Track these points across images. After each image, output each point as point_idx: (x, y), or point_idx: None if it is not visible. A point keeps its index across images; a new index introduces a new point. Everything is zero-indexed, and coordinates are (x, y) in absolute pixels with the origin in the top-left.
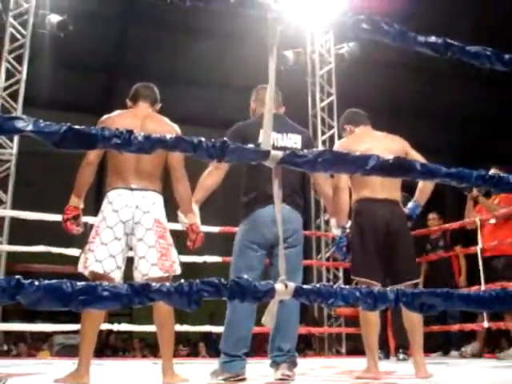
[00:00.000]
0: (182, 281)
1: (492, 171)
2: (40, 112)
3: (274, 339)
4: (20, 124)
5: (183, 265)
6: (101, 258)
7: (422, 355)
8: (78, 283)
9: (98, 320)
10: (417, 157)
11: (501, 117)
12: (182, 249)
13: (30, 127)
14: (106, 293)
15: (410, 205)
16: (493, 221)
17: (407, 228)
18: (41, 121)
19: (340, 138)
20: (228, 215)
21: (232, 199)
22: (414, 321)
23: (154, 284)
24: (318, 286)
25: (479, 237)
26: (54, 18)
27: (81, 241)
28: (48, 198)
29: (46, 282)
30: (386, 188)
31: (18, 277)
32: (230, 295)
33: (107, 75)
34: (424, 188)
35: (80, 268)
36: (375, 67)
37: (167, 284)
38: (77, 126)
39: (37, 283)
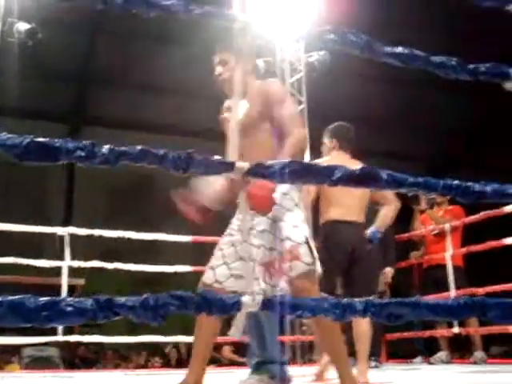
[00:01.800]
0: (148, 294)
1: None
2: (9, 121)
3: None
4: None
5: (155, 276)
6: None
7: (365, 363)
8: (41, 298)
9: (211, 329)
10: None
11: (475, 127)
12: (151, 259)
13: None
14: (69, 308)
15: (371, 229)
16: (436, 231)
17: (370, 251)
18: (4, 133)
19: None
20: (200, 225)
21: None
22: (360, 331)
23: (118, 298)
24: (285, 297)
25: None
26: (23, 26)
27: (50, 251)
28: (16, 209)
29: (9, 297)
30: (353, 210)
31: None
32: (196, 309)
33: (77, 84)
34: (384, 218)
35: None
36: (348, 76)
37: (133, 298)
38: (40, 139)
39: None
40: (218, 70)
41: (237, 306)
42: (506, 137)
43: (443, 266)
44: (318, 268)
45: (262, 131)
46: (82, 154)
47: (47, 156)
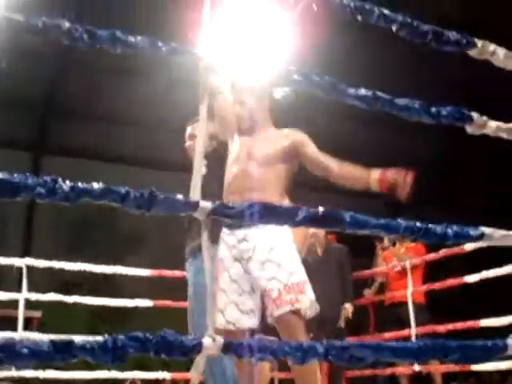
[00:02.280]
0: (106, 336)
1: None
2: None
3: None
4: None
5: (114, 310)
6: None
7: None
8: None
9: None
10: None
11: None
12: (112, 292)
13: None
14: (25, 350)
15: None
16: (398, 268)
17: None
18: None
19: None
20: (160, 259)
21: (163, 244)
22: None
23: (77, 340)
24: (247, 340)
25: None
26: None
27: (8, 283)
28: None
29: None
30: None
31: None
32: (155, 351)
33: (41, 113)
34: None
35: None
36: (313, 112)
37: (91, 340)
38: None
39: None
40: (237, 108)
41: (197, 348)
42: (472, 174)
43: (406, 304)
44: (317, 306)
45: (281, 167)
46: (42, 190)
47: (6, 192)
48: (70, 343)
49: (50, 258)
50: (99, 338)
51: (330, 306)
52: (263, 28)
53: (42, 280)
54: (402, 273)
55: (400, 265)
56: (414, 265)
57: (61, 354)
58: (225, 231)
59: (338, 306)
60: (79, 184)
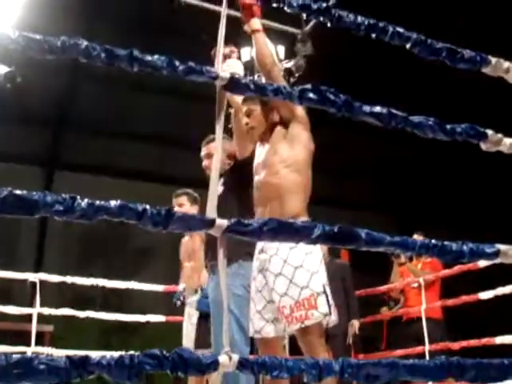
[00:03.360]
0: (123, 353)
1: (415, 236)
2: None
3: None
4: None
5: (124, 324)
6: None
7: None
8: (14, 356)
9: None
10: None
11: (446, 182)
12: (124, 307)
13: None
14: (42, 366)
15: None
16: (415, 284)
17: None
18: None
19: None
20: (172, 273)
21: (175, 257)
22: None
23: (93, 357)
24: (262, 357)
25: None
26: (2, 69)
27: (20, 298)
28: None
29: None
30: None
31: None
32: (172, 368)
33: (55, 128)
34: None
35: None
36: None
37: (107, 356)
38: (18, 191)
39: None
40: (245, 120)
41: (213, 365)
42: (485, 192)
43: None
44: (333, 315)
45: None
46: (61, 208)
47: (24, 209)
48: (87, 359)
49: (60, 273)
50: (115, 355)
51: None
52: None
53: (53, 294)
54: (419, 288)
55: (417, 280)
56: (430, 280)
57: (77, 370)
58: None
59: (344, 323)
60: (97, 201)
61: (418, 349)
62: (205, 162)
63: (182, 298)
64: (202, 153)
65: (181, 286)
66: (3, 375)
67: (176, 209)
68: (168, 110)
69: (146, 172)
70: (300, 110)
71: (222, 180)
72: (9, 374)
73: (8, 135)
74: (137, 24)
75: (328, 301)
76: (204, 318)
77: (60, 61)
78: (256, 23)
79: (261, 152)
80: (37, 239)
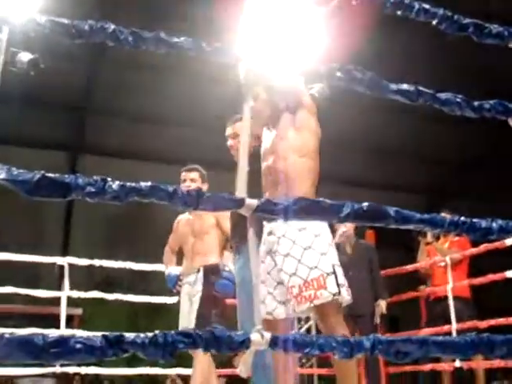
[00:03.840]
0: (157, 332)
1: (443, 214)
2: (11, 150)
3: None
4: None
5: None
6: None
7: None
8: (51, 335)
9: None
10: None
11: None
12: (151, 289)
13: (2, 175)
14: (78, 345)
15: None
16: (443, 263)
17: None
18: (13, 168)
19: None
20: None
21: None
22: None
23: (128, 335)
24: (294, 335)
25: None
26: (25, 57)
27: (47, 281)
28: (13, 237)
29: (18, 333)
30: None
31: None
32: (205, 346)
33: (78, 113)
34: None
35: None
36: (348, 108)
37: (142, 335)
38: (50, 174)
39: (7, 336)
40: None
41: (245, 343)
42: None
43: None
44: (346, 295)
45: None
46: (92, 189)
47: (57, 192)
48: (121, 338)
49: (87, 256)
50: (149, 334)
51: (363, 303)
52: (298, 24)
53: (80, 278)
54: (447, 267)
55: (444, 260)
56: (458, 259)
57: (112, 349)
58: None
59: (371, 303)
60: (127, 183)
61: (445, 327)
62: (230, 142)
63: (179, 283)
64: (227, 132)
65: (172, 269)
66: (41, 354)
67: (188, 184)
68: (191, 91)
69: (169, 155)
70: (307, 98)
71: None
72: (47, 352)
73: (32, 121)
74: (150, 9)
75: (337, 281)
76: (208, 298)
77: (82, 46)
78: None
79: (268, 137)
80: (63, 224)
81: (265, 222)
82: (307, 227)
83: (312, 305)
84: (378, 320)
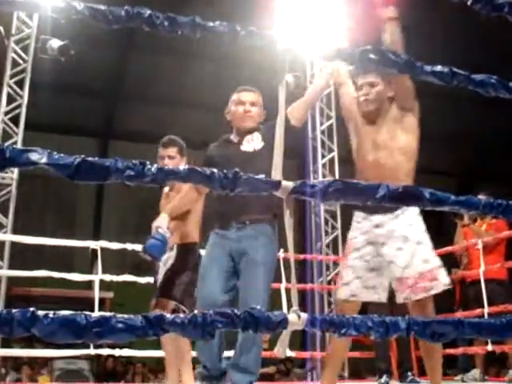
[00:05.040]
0: (196, 312)
1: (480, 196)
2: (41, 136)
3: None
4: (34, 156)
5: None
6: None
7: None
8: (93, 315)
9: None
10: None
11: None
12: None
13: (44, 160)
14: (120, 325)
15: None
16: (479, 246)
17: None
18: (54, 153)
19: (340, 160)
20: None
21: None
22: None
23: (168, 315)
24: (330, 315)
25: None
26: (56, 43)
27: (81, 265)
28: (47, 222)
29: (61, 313)
30: None
31: (32, 309)
32: (243, 326)
33: (108, 99)
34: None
35: None
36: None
37: (181, 315)
38: (90, 158)
39: (51, 315)
40: (366, 90)
41: (283, 323)
42: None
43: (487, 281)
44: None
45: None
46: (132, 173)
47: (98, 175)
48: (162, 318)
49: (118, 240)
50: (189, 314)
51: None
52: (332, 8)
53: (112, 262)
54: (484, 250)
55: (481, 242)
56: (495, 241)
57: (153, 329)
58: (358, 215)
59: None
60: (165, 166)
61: (477, 311)
62: (247, 107)
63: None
64: (249, 98)
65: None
66: (84, 333)
67: (166, 161)
68: (219, 76)
69: (196, 139)
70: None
71: (256, 134)
72: (89, 332)
73: (63, 108)
74: None
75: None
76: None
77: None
78: (394, 11)
79: (368, 130)
80: (94, 209)
81: (372, 215)
82: (413, 223)
83: (427, 295)
84: None
